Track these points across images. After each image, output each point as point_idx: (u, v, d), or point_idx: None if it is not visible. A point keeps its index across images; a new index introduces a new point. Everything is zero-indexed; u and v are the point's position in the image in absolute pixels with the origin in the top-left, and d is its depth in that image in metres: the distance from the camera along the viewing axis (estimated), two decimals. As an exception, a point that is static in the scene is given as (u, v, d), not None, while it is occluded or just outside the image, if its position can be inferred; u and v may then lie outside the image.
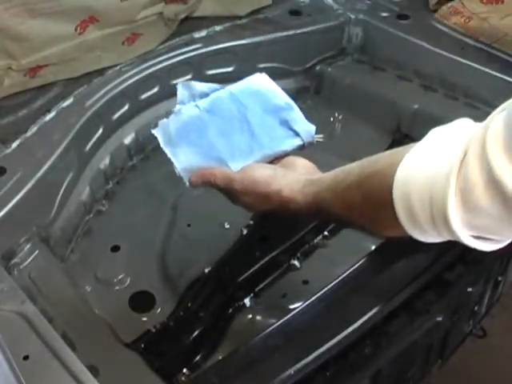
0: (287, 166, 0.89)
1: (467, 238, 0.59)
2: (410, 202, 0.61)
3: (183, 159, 0.91)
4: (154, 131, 0.93)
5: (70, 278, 0.99)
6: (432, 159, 0.60)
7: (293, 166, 0.89)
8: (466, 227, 0.58)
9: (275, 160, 0.93)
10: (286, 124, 0.95)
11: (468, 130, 0.59)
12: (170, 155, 0.91)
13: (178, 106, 0.95)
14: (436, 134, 0.64)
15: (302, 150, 0.95)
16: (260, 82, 0.99)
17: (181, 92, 0.96)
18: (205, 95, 0.97)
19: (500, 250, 0.62)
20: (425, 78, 1.40)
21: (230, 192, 0.87)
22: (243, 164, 0.90)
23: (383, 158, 0.70)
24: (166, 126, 0.93)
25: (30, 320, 0.78)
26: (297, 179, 0.82)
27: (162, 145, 0.92)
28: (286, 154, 0.93)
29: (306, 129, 0.95)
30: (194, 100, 0.96)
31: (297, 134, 0.95)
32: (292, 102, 0.98)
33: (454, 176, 0.56)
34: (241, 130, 0.94)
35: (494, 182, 0.53)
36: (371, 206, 0.68)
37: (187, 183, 0.91)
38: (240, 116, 0.95)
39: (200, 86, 0.97)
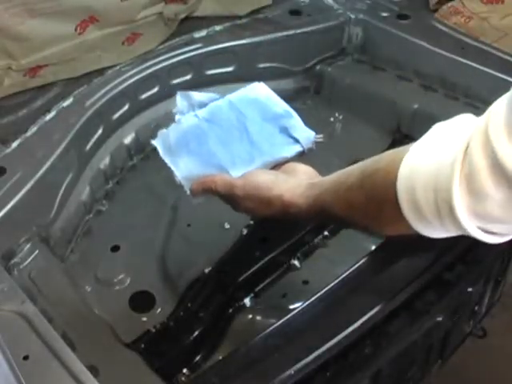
0: (288, 172, 0.89)
1: (472, 228, 0.59)
2: (415, 196, 0.60)
3: (183, 168, 0.91)
4: (153, 142, 0.94)
5: (70, 278, 0.99)
6: (435, 152, 0.60)
7: (294, 171, 0.89)
8: (471, 216, 0.58)
9: (276, 167, 0.93)
10: (285, 131, 0.95)
11: (471, 124, 0.59)
12: (170, 164, 0.92)
13: (177, 116, 0.95)
14: (438, 129, 0.64)
15: (301, 156, 0.95)
16: (258, 91, 1.00)
17: (180, 102, 0.96)
18: (204, 105, 0.97)
19: (500, 249, 0.62)
20: (425, 78, 1.40)
21: (232, 198, 0.87)
22: (244, 171, 0.90)
23: (385, 156, 0.70)
24: (166, 136, 0.93)
25: (30, 320, 0.78)
26: (298, 183, 0.82)
27: (161, 155, 0.92)
28: (287, 161, 0.93)
29: (306, 135, 0.95)
30: (193, 110, 0.96)
31: (296, 141, 0.95)
32: (291, 110, 0.98)
33: (459, 164, 0.56)
34: (240, 139, 0.94)
35: (497, 166, 0.53)
36: (374, 204, 0.68)
37: (188, 191, 0.91)
38: (239, 125, 0.95)
39: (199, 96, 0.97)
